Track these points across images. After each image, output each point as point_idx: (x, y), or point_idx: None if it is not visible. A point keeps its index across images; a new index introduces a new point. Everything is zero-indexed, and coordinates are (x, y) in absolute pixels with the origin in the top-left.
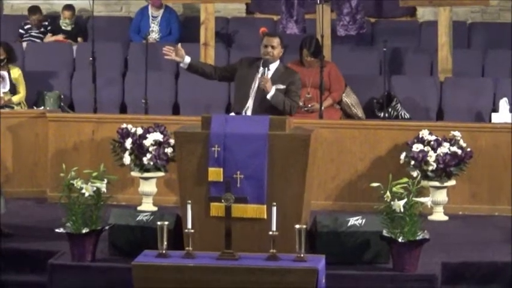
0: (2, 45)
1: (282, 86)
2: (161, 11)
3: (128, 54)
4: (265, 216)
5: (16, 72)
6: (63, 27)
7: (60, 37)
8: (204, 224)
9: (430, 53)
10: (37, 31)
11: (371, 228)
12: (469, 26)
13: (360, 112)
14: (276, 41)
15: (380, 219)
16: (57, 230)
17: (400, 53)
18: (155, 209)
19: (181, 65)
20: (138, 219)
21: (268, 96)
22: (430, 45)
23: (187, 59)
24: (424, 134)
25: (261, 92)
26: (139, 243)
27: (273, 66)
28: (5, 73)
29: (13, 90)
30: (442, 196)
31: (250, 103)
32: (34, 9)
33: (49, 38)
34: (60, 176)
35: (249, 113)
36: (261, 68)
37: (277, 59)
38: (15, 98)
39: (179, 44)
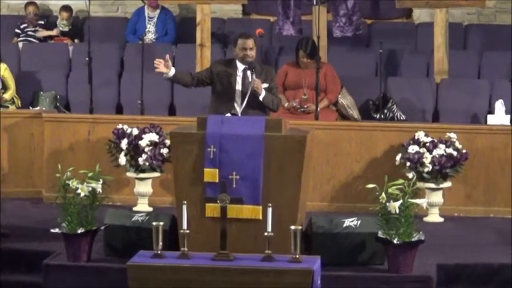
0: None
1: (266, 85)
2: (157, 12)
3: (124, 54)
4: (261, 217)
5: (2, 68)
6: (60, 28)
7: (54, 32)
8: (199, 224)
9: (426, 54)
10: (33, 29)
11: (366, 229)
12: (465, 27)
13: (355, 113)
14: (252, 43)
15: (375, 220)
16: (52, 230)
17: (396, 54)
18: (150, 209)
19: (165, 76)
20: (133, 219)
21: (261, 98)
22: (426, 47)
23: (173, 71)
24: (420, 135)
25: (251, 94)
26: (134, 243)
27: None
28: None
29: (3, 87)
30: (437, 197)
31: (238, 105)
32: (31, 2)
33: (43, 33)
34: (55, 176)
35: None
36: (242, 70)
37: None
38: (7, 95)
39: (167, 56)
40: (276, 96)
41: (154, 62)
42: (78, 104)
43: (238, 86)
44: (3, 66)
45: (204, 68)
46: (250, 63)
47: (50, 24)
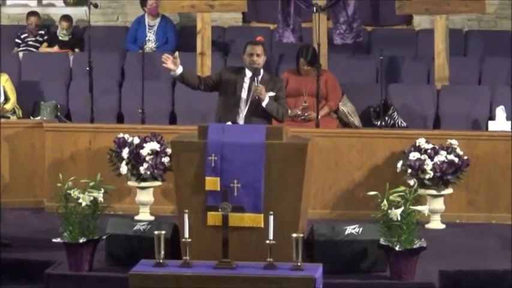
0: None
1: (272, 93)
2: (158, 20)
3: (124, 63)
4: (262, 225)
5: (3, 79)
6: (60, 38)
7: (55, 49)
8: (201, 233)
9: (426, 61)
10: (33, 39)
11: (368, 236)
12: (466, 33)
13: (356, 120)
14: (260, 49)
15: (377, 227)
16: (54, 240)
17: (396, 61)
18: (152, 218)
19: (172, 73)
20: (135, 228)
21: (264, 104)
22: (426, 53)
23: (180, 69)
24: (421, 142)
25: (254, 101)
26: (136, 252)
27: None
28: None
29: (4, 98)
30: (439, 204)
31: (242, 112)
32: (33, 13)
33: (44, 48)
34: (57, 185)
35: (240, 122)
36: (249, 77)
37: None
38: (8, 106)
39: (176, 53)
40: (283, 106)
41: (162, 57)
42: (79, 114)
43: (244, 93)
44: (5, 77)
45: (211, 73)
46: (256, 69)
47: (51, 34)
